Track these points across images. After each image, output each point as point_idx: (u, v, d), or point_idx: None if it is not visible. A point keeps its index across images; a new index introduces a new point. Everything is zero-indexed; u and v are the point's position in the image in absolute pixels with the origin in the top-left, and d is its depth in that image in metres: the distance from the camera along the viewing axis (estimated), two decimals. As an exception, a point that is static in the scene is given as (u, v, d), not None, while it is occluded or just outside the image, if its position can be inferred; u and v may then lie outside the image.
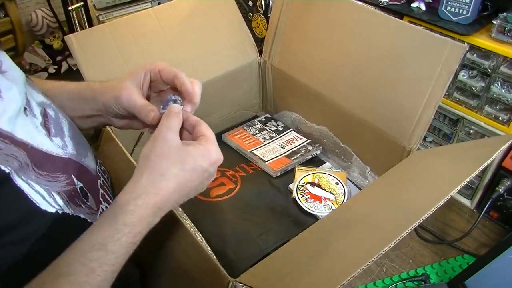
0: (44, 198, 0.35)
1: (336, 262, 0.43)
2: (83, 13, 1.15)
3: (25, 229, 0.34)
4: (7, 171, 0.32)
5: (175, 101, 0.46)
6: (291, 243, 0.57)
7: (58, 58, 1.37)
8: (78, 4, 1.14)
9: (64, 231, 0.38)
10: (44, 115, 0.41)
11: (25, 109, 0.38)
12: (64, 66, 1.38)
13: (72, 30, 1.23)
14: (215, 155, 0.43)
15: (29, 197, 0.34)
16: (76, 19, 1.16)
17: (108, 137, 0.73)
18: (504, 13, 0.64)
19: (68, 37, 0.71)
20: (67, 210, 0.38)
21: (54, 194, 0.37)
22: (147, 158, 0.40)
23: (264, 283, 0.47)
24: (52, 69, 1.36)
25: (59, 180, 0.38)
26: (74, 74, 1.34)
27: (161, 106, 0.46)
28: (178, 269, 0.55)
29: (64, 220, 0.37)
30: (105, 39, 0.75)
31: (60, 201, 0.37)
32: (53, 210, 0.36)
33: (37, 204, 0.35)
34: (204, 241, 0.66)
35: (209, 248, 0.65)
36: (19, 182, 0.33)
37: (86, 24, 1.17)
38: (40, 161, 0.36)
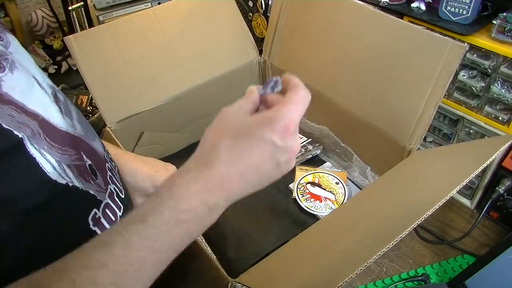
0: (55, 168, 0.35)
1: (336, 262, 0.43)
2: (83, 13, 1.15)
3: (37, 198, 0.34)
4: (20, 136, 0.32)
5: (276, 83, 0.40)
6: (291, 243, 0.57)
7: (58, 58, 1.37)
8: (78, 4, 1.13)
9: (74, 204, 0.37)
10: (55, 96, 0.42)
11: (39, 84, 0.38)
12: (64, 66, 1.38)
13: (72, 30, 1.23)
14: (283, 118, 0.34)
15: (41, 165, 0.34)
16: (76, 19, 1.16)
17: (108, 137, 0.73)
18: (504, 13, 0.64)
19: (67, 38, 0.71)
20: (77, 184, 0.37)
21: (65, 166, 0.36)
22: (203, 137, 0.36)
23: (263, 284, 0.47)
24: (52, 69, 1.35)
25: (69, 154, 0.38)
26: (74, 74, 1.34)
27: (261, 88, 0.41)
28: (177, 268, 0.55)
29: (74, 193, 0.37)
30: (104, 40, 0.75)
31: (70, 174, 0.37)
32: (64, 182, 0.36)
33: (48, 174, 0.34)
34: (204, 241, 0.66)
35: (209, 248, 0.65)
36: (32, 150, 0.33)
37: (86, 24, 1.17)
38: (51, 133, 0.36)
